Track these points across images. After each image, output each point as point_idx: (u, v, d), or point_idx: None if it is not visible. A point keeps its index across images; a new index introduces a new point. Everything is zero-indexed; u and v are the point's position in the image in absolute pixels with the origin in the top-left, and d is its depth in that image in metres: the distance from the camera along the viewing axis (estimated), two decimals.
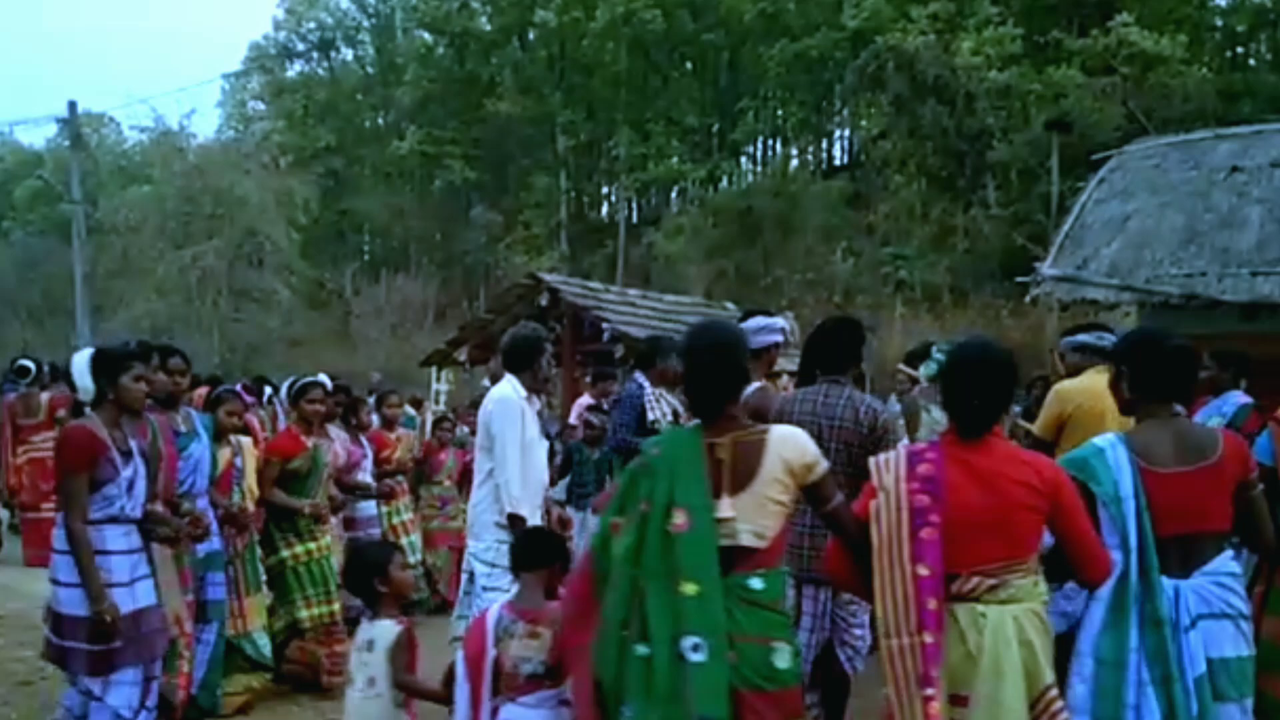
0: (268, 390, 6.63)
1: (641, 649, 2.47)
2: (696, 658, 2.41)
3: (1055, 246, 8.89)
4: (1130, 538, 2.73)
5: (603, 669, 2.55)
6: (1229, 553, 2.87)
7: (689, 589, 2.43)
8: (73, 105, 21.22)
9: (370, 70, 37.38)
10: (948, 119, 20.92)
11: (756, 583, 2.54)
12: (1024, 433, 5.65)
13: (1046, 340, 15.91)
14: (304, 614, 5.05)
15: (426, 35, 34.06)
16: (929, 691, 2.45)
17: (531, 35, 31.89)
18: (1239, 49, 24.25)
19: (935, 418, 4.96)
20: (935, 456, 2.61)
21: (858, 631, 4.10)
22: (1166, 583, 2.74)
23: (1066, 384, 4.54)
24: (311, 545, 5.13)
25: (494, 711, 2.99)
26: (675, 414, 5.49)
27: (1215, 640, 2.75)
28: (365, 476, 6.25)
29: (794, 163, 30.16)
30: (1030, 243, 17.05)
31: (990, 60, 20.23)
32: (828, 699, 4.17)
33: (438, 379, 15.76)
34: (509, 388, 4.51)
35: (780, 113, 30.18)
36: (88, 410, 3.78)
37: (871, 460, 2.74)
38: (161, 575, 4.01)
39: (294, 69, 37.85)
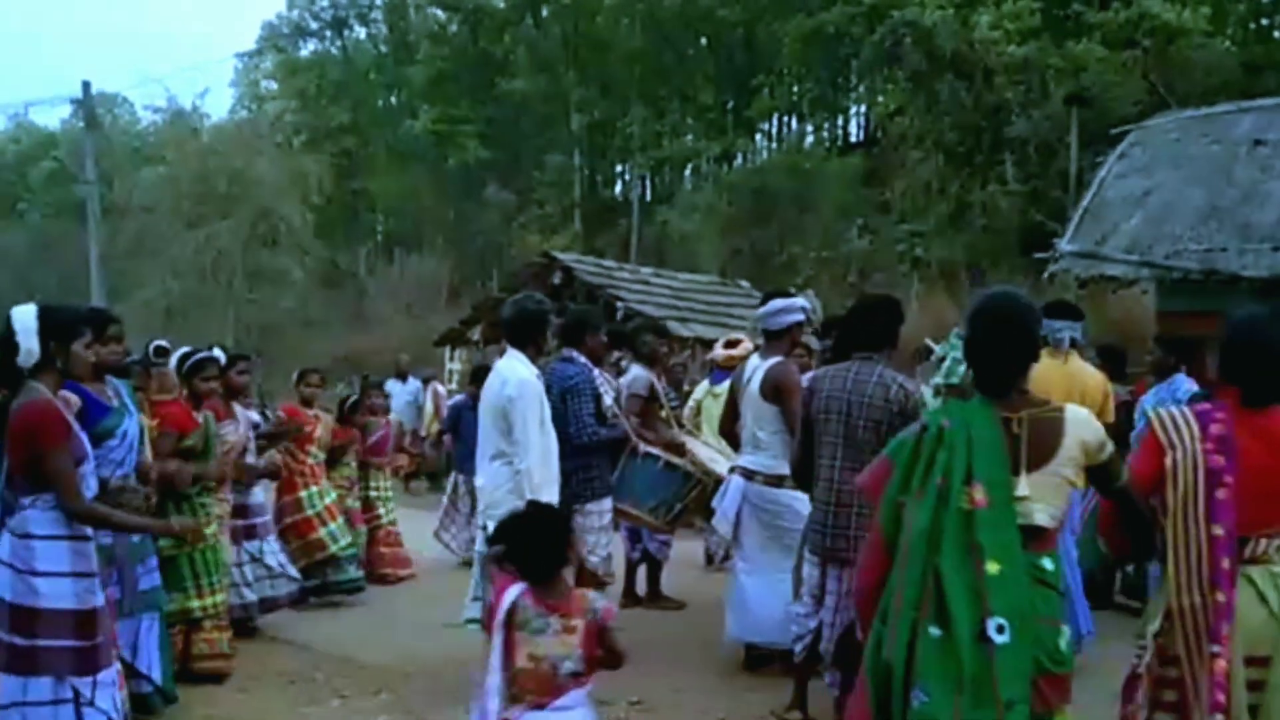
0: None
1: (935, 631, 2.41)
2: (1001, 639, 2.37)
3: (1074, 222, 8.80)
4: None
5: (893, 651, 2.46)
6: None
7: (991, 568, 2.39)
8: (86, 86, 21.23)
9: (383, 49, 37.22)
10: (965, 94, 20.65)
11: (1048, 563, 2.55)
12: None
13: None
14: (195, 603, 4.79)
15: (439, 13, 33.88)
16: (1216, 649, 2.51)
17: (545, 12, 31.66)
18: (1264, 20, 23.77)
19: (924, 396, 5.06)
20: (1225, 418, 2.66)
21: None
22: None
23: None
24: (208, 531, 4.89)
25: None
26: (616, 395, 5.38)
27: None
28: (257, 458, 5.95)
29: (809, 139, 29.89)
30: (1049, 219, 16.86)
31: (1009, 34, 19.94)
32: (847, 676, 4.16)
33: (451, 358, 15.79)
34: (524, 368, 4.40)
35: (796, 89, 29.89)
36: (31, 382, 3.31)
37: (1153, 413, 2.78)
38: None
39: (307, 48, 37.75)
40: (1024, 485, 2.50)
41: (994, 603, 2.38)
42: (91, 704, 3.23)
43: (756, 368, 4.89)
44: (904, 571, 2.48)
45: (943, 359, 5.48)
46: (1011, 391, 2.61)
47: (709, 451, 5.53)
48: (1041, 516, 2.52)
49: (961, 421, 2.54)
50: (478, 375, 7.00)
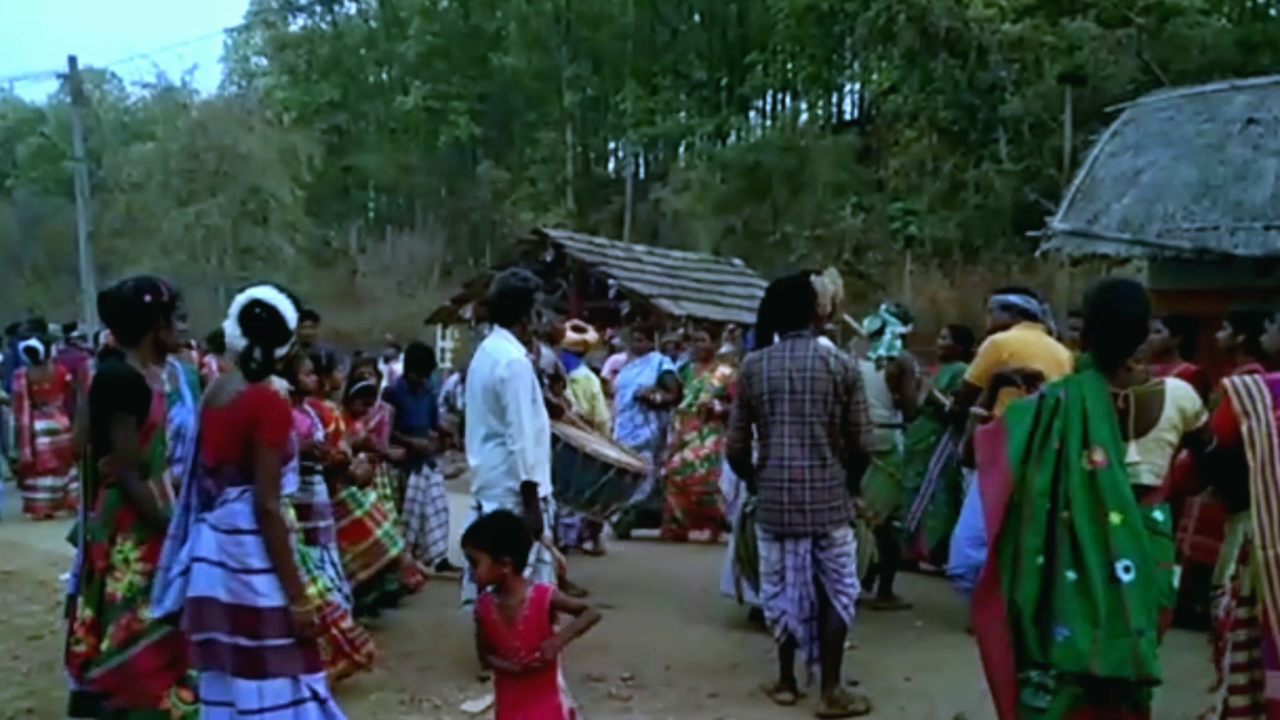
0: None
1: (1071, 574, 2.80)
2: (1128, 578, 2.77)
3: (1066, 201, 8.78)
4: None
5: (1022, 593, 2.86)
6: None
7: (1114, 519, 2.78)
8: (73, 60, 20.95)
9: (374, 24, 36.86)
10: (960, 72, 20.57)
11: (1159, 514, 2.94)
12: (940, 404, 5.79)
13: (1057, 296, 15.76)
14: None
15: None
16: None
17: None
18: None
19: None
20: None
21: (849, 581, 4.18)
22: None
23: (1002, 335, 4.92)
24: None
25: None
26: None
27: None
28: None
29: (803, 117, 29.74)
30: (1042, 198, 16.83)
31: (1004, 12, 19.83)
32: (825, 650, 4.21)
33: (443, 337, 15.76)
34: (514, 347, 4.37)
35: (790, 66, 29.67)
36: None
37: (1228, 383, 3.02)
38: None
39: (297, 23, 37.39)
40: (1132, 451, 2.88)
41: (1118, 547, 2.77)
42: (324, 702, 3.08)
43: None
44: (1027, 525, 2.86)
45: (877, 333, 5.62)
46: (1119, 369, 2.95)
47: (590, 438, 5.42)
48: (1148, 476, 2.90)
49: (1077, 394, 2.89)
50: (413, 360, 6.75)
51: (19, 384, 9.01)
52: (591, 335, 7.42)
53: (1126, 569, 2.76)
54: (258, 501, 3.02)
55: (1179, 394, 2.94)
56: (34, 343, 9.22)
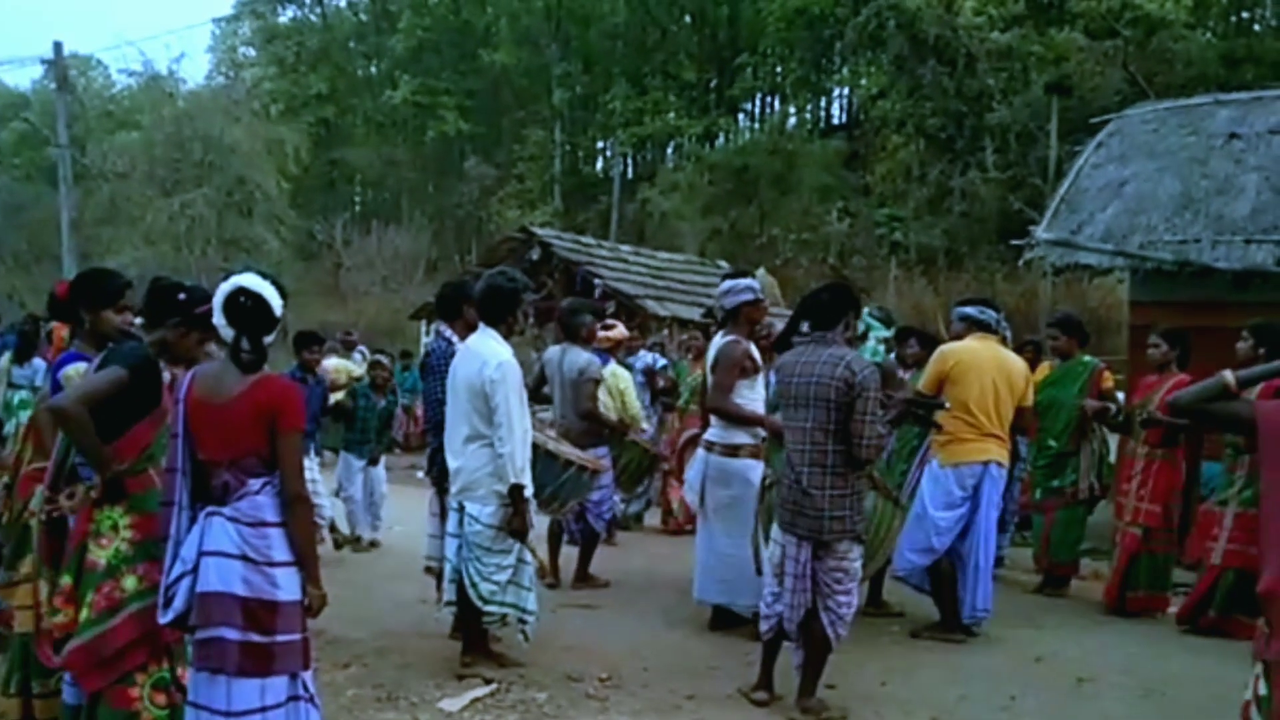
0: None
1: None
2: None
3: (1050, 210, 8.84)
4: None
5: None
6: None
7: None
8: (58, 46, 20.75)
9: (364, 17, 36.75)
10: (948, 79, 20.70)
11: None
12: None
13: (1040, 305, 15.88)
14: None
15: None
16: None
17: None
18: (1243, 13, 23.94)
19: None
20: None
21: (841, 599, 4.10)
22: None
23: (947, 346, 5.23)
24: None
25: None
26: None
27: None
28: None
29: (792, 120, 29.86)
30: (1027, 207, 16.97)
31: (992, 21, 19.99)
32: (805, 659, 4.21)
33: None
34: (502, 348, 4.34)
35: (779, 70, 29.80)
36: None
37: None
38: None
39: (286, 14, 37.24)
40: None
41: None
42: (312, 700, 3.07)
43: (714, 345, 5.17)
44: None
45: (860, 337, 5.72)
46: None
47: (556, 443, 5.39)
48: None
49: None
50: (301, 341, 7.04)
51: None
52: (618, 332, 7.30)
53: None
54: (288, 489, 2.98)
55: None
56: None
